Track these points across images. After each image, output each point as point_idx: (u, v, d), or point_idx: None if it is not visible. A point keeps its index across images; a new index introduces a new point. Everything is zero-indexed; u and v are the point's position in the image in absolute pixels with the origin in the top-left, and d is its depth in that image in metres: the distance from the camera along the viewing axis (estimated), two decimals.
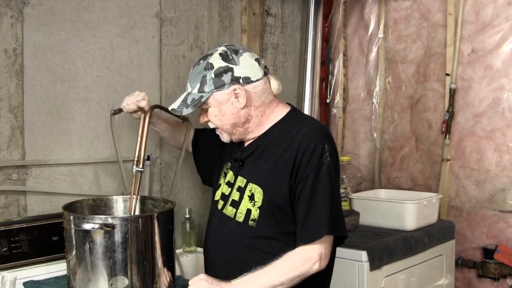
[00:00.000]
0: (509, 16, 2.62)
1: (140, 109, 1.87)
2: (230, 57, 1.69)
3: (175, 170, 1.94)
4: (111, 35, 2.21)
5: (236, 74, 1.67)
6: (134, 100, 1.86)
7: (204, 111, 1.76)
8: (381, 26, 3.07)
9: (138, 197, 1.85)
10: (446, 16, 2.81)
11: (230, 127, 1.73)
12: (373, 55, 3.13)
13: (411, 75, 2.99)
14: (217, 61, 1.68)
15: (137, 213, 1.85)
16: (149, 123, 1.85)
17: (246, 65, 1.69)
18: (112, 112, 1.98)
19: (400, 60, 3.03)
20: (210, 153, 1.97)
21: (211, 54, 1.71)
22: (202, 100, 1.69)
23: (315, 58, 3.03)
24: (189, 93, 1.73)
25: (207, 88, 1.68)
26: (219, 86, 1.68)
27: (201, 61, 1.72)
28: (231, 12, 2.70)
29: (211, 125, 1.78)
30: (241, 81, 1.68)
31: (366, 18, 3.16)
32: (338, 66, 3.24)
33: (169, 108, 1.76)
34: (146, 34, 2.33)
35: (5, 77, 1.93)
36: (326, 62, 3.25)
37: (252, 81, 1.69)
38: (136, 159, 1.80)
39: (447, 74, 2.81)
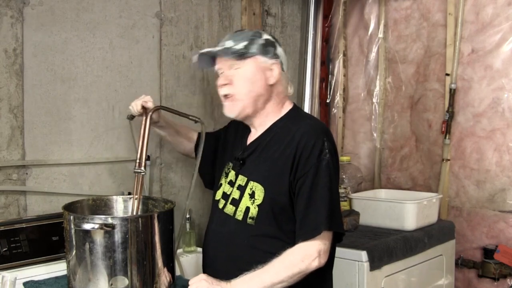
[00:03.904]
0: (509, 16, 2.62)
1: (145, 110, 1.85)
2: (274, 39, 1.79)
3: (188, 193, 1.93)
4: (111, 35, 2.21)
5: (277, 52, 1.77)
6: (139, 102, 1.86)
7: (231, 73, 1.74)
8: (381, 26, 3.07)
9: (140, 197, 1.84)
10: (446, 16, 2.81)
11: (254, 96, 1.73)
12: (373, 55, 3.13)
13: (411, 75, 2.99)
14: (265, 35, 1.77)
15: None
16: (150, 124, 1.83)
17: (283, 53, 1.80)
18: (128, 117, 1.98)
19: (400, 60, 3.03)
20: (213, 157, 1.97)
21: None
22: (246, 55, 1.71)
23: (315, 58, 3.03)
24: (227, 48, 1.72)
25: (254, 49, 1.72)
26: (265, 53, 1.73)
27: (245, 30, 1.82)
28: (231, 12, 2.70)
29: (226, 91, 1.74)
30: (280, 60, 1.76)
31: (366, 18, 3.16)
32: (338, 66, 3.24)
33: (203, 51, 1.77)
34: (146, 34, 2.33)
35: (5, 77, 1.93)
36: (326, 62, 3.25)
37: (283, 69, 1.78)
38: (137, 160, 1.79)
39: (447, 74, 2.81)
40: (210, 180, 2.01)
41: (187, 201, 1.91)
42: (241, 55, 1.70)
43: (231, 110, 1.76)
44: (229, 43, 1.73)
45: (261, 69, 1.72)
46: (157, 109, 1.89)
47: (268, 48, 1.74)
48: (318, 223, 1.60)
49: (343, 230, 1.69)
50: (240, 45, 1.71)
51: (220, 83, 1.76)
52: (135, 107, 1.87)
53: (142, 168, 1.79)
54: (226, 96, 1.75)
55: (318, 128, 1.71)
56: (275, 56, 1.75)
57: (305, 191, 1.62)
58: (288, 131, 1.71)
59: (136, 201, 1.78)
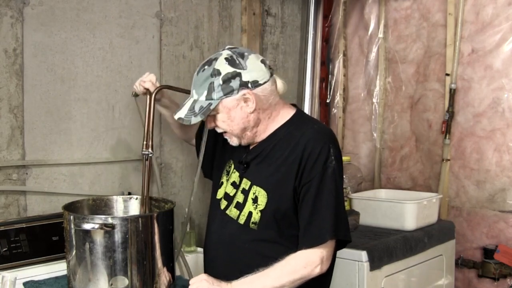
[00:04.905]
0: (509, 16, 2.62)
1: (147, 90, 1.84)
2: (237, 62, 1.63)
3: (192, 191, 1.91)
4: (111, 35, 2.21)
5: (244, 78, 1.62)
6: (139, 81, 1.86)
7: (211, 116, 1.70)
8: (381, 26, 3.07)
9: (144, 191, 1.82)
10: (446, 16, 2.81)
11: (239, 132, 1.70)
12: (373, 55, 3.13)
13: (411, 75, 2.99)
14: (223, 67, 1.63)
15: (137, 210, 1.84)
16: (154, 104, 1.80)
17: (254, 68, 1.64)
18: (132, 94, 1.99)
19: (400, 60, 3.03)
20: (213, 147, 1.93)
21: (215, 59, 1.65)
22: (211, 107, 1.64)
23: (315, 58, 3.04)
24: (195, 100, 1.67)
25: (215, 95, 1.63)
26: (228, 92, 1.62)
27: (206, 67, 1.66)
28: (231, 12, 2.70)
29: (219, 130, 1.73)
30: (249, 85, 1.63)
31: (366, 18, 3.16)
32: (338, 66, 3.24)
33: (176, 117, 1.70)
34: (146, 34, 2.33)
35: (5, 77, 1.93)
36: (326, 62, 3.25)
37: (260, 84, 1.65)
38: (144, 142, 1.76)
39: (447, 74, 2.81)
40: (209, 170, 1.96)
41: (191, 196, 1.88)
42: (208, 109, 1.65)
43: (233, 142, 1.75)
44: (194, 95, 1.68)
45: (233, 107, 1.65)
46: (160, 88, 1.86)
47: (229, 85, 1.62)
48: (323, 231, 1.59)
49: (349, 238, 1.68)
50: (202, 97, 1.65)
51: (209, 127, 1.76)
52: (139, 87, 1.88)
53: (150, 150, 1.76)
54: (223, 132, 1.75)
55: (324, 134, 1.69)
56: (242, 85, 1.62)
57: (310, 197, 1.61)
58: (293, 137, 1.69)
59: (145, 185, 1.76)
